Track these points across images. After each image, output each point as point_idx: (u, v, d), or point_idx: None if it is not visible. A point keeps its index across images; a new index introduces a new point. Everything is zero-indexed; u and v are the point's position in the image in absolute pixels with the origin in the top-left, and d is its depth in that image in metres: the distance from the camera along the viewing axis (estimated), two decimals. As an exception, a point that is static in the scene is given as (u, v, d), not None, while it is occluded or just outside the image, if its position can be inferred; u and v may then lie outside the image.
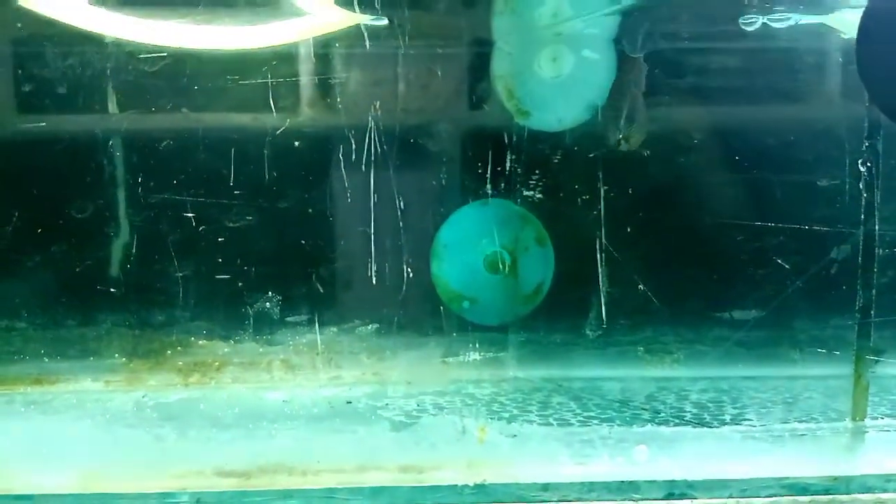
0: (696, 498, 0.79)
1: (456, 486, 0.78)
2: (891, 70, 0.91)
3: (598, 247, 1.23)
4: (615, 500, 0.78)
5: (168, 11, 1.13)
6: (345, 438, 0.83)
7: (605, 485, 0.80)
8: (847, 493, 0.81)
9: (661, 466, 0.80)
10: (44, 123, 1.17)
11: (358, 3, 1.16)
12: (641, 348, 1.29)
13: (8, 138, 1.21)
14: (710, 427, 0.93)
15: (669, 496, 0.80)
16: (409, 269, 1.29)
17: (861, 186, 1.00)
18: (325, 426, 0.90)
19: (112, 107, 1.19)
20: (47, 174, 1.21)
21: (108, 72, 1.15)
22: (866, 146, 1.00)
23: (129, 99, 1.18)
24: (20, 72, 1.18)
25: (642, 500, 0.79)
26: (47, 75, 1.17)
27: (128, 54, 1.14)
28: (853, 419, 0.88)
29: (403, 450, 0.80)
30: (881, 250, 0.99)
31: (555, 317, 1.30)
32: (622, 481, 0.80)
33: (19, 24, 1.15)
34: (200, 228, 1.22)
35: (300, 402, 1.06)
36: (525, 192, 1.28)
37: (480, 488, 0.78)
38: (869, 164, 0.98)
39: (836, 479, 0.81)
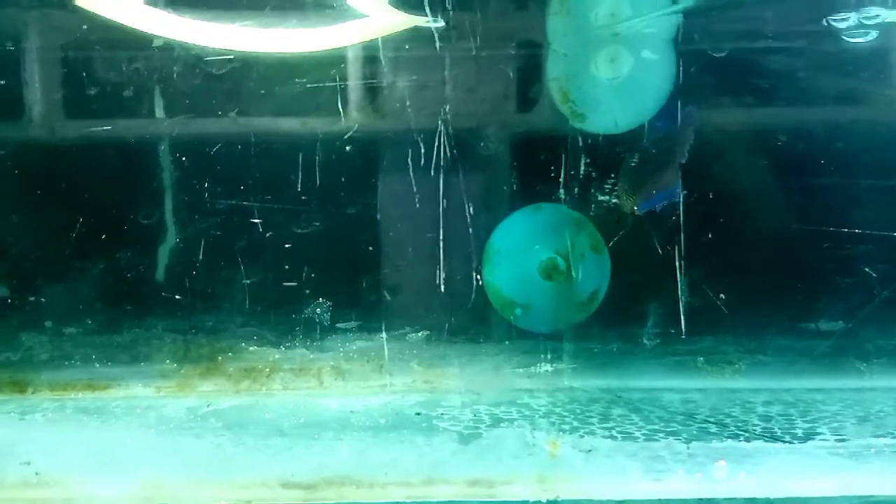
0: (778, 518, 0.76)
1: (528, 501, 0.75)
2: None
3: (665, 255, 1.20)
4: (693, 519, 0.75)
5: (233, 14, 1.13)
6: (408, 449, 0.81)
7: (682, 502, 0.76)
8: (938, 514, 0.77)
9: (741, 483, 0.77)
10: (109, 127, 1.17)
11: (413, 6, 1.15)
12: (701, 358, 1.26)
13: (67, 142, 1.21)
14: (786, 442, 0.89)
15: (750, 515, 0.76)
16: (467, 276, 1.27)
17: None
18: (386, 437, 0.87)
19: (172, 111, 1.19)
20: (106, 178, 1.21)
21: (175, 75, 1.15)
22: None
23: (189, 102, 1.18)
24: (84, 75, 1.18)
25: (721, 518, 0.76)
26: (113, 79, 1.17)
27: (195, 57, 1.14)
28: None
29: (471, 463, 0.78)
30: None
31: (611, 325, 1.27)
32: (700, 499, 0.77)
33: (84, 27, 1.15)
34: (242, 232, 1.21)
35: (358, 411, 1.03)
36: (579, 197, 1.26)
37: (553, 504, 0.75)
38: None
39: (925, 498, 0.78)
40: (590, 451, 0.77)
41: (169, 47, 1.15)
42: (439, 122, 1.20)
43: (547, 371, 1.27)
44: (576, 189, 1.25)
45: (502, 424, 0.99)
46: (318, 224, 1.18)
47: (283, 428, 0.90)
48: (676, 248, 1.16)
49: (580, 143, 1.23)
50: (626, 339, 1.26)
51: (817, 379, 1.22)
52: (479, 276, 1.21)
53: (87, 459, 0.87)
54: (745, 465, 0.80)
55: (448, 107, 1.21)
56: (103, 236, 1.22)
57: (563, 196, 1.23)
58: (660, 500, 0.77)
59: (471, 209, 1.23)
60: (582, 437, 0.86)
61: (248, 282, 1.22)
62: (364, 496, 0.76)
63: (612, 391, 1.21)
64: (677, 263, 1.11)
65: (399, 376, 1.25)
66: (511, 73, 1.24)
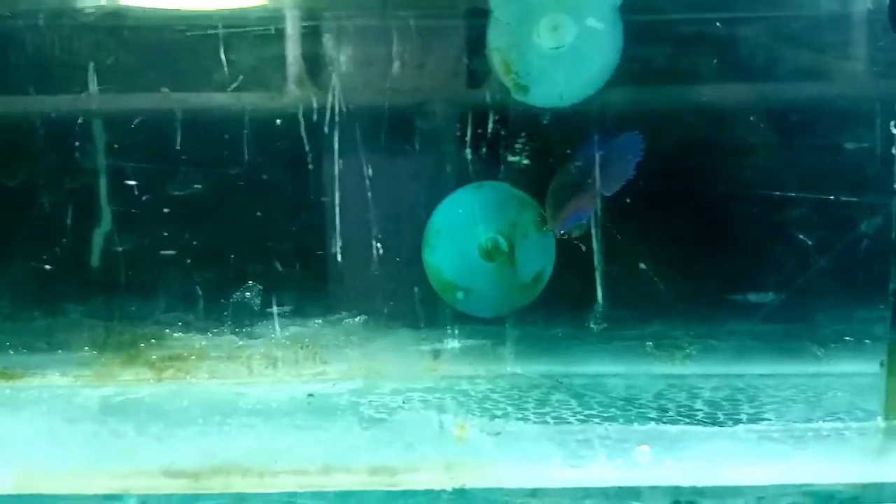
0: (704, 507, 0.70)
1: (432, 490, 0.69)
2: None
3: (599, 232, 1.13)
4: (613, 509, 0.69)
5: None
6: (311, 437, 0.74)
7: (601, 491, 0.70)
8: (878, 503, 0.71)
9: (666, 470, 0.71)
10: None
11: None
12: (650, 343, 1.20)
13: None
14: (721, 426, 0.83)
15: (675, 504, 0.70)
16: (398, 257, 1.21)
17: (894, 151, 0.88)
18: (289, 424, 0.80)
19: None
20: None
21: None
22: (901, 105, 0.88)
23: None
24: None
25: (644, 508, 0.69)
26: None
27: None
28: (885, 418, 0.77)
29: (375, 450, 0.71)
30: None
31: (556, 308, 1.20)
32: (621, 487, 0.70)
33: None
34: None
35: (270, 398, 0.97)
36: (522, 174, 1.20)
37: (460, 493, 0.69)
38: (904, 126, 0.86)
39: (865, 486, 0.71)
40: (498, 434, 0.70)
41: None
42: (366, 97, 1.13)
43: (489, 357, 1.21)
44: (518, 165, 1.19)
45: (427, 409, 0.92)
46: (198, 186, 1.10)
47: (181, 416, 0.83)
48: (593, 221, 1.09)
49: (523, 117, 1.17)
50: (572, 324, 1.20)
51: (772, 364, 1.16)
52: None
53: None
54: (672, 450, 0.74)
55: (385, 81, 1.16)
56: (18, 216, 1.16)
57: (498, 173, 1.17)
58: (576, 488, 0.70)
59: (409, 188, 1.16)
60: (493, 420, 0.79)
61: (120, 253, 1.15)
62: (252, 486, 0.69)
63: (554, 377, 1.15)
64: (594, 232, 1.04)
65: (335, 364, 1.19)
66: (450, 43, 1.18)
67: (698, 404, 0.99)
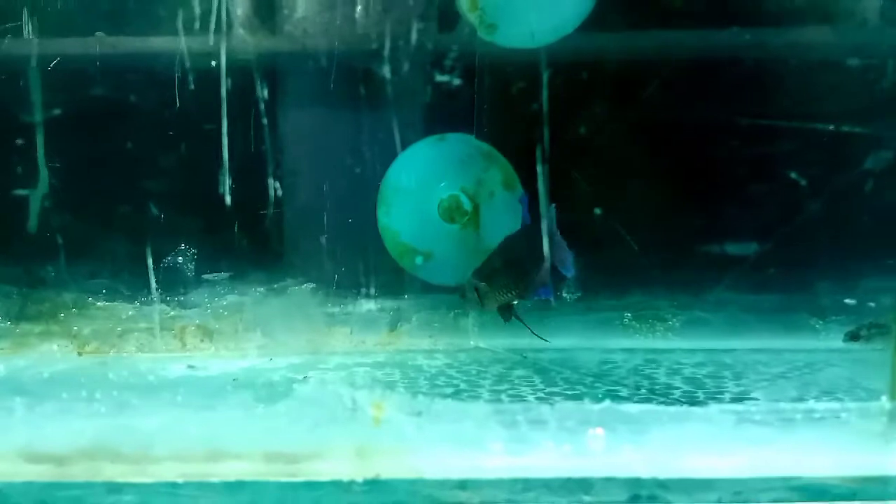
0: (670, 503, 0.57)
1: (340, 482, 0.57)
2: None
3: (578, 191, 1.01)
4: (559, 505, 0.57)
5: None
6: (203, 418, 0.62)
7: (544, 482, 0.58)
8: (881, 500, 0.58)
9: (625, 459, 0.58)
10: None
11: None
12: (629, 314, 1.07)
13: None
14: (695, 406, 0.71)
15: (634, 499, 0.58)
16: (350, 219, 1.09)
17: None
18: (173, 400, 0.68)
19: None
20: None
21: None
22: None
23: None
24: None
25: (596, 504, 0.57)
26: None
27: None
28: (891, 398, 0.64)
29: (274, 432, 0.59)
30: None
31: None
32: (569, 478, 0.58)
33: None
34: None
35: (180, 375, 0.85)
36: (490, 126, 1.07)
37: (373, 485, 0.57)
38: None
39: (865, 479, 0.59)
40: (420, 414, 0.58)
41: None
42: (313, 37, 1.00)
43: (450, 329, 1.10)
44: (484, 116, 1.06)
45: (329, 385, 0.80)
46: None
47: (82, 393, 0.71)
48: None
49: (490, 59, 1.05)
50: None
51: (765, 338, 1.03)
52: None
53: None
54: (637, 435, 0.61)
55: (333, 17, 1.03)
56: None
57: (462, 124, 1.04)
58: (515, 479, 0.58)
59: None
60: (415, 397, 0.67)
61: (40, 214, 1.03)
62: (122, 473, 0.57)
63: (520, 351, 1.02)
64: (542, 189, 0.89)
65: (278, 335, 1.07)
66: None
67: (678, 382, 0.87)
